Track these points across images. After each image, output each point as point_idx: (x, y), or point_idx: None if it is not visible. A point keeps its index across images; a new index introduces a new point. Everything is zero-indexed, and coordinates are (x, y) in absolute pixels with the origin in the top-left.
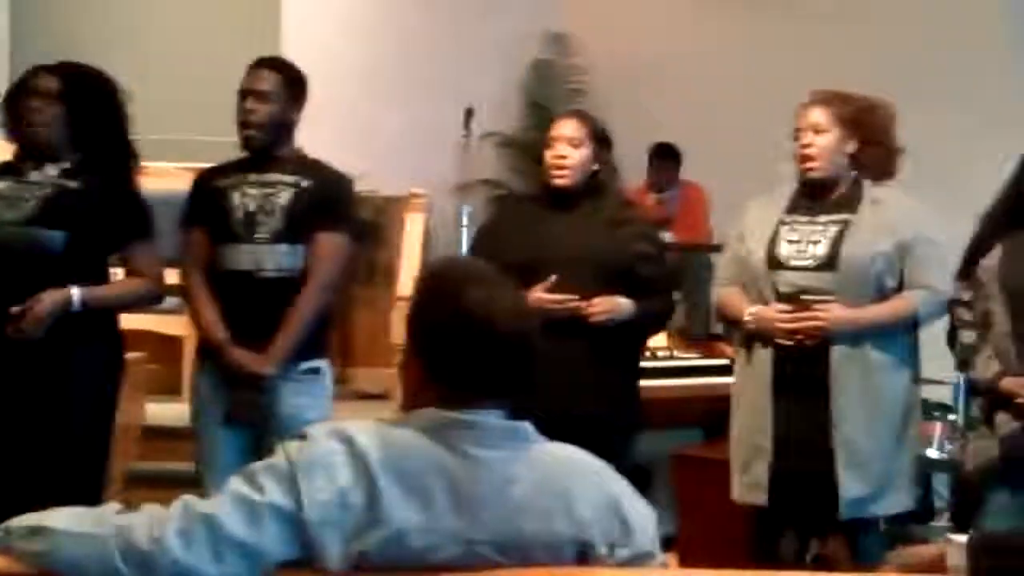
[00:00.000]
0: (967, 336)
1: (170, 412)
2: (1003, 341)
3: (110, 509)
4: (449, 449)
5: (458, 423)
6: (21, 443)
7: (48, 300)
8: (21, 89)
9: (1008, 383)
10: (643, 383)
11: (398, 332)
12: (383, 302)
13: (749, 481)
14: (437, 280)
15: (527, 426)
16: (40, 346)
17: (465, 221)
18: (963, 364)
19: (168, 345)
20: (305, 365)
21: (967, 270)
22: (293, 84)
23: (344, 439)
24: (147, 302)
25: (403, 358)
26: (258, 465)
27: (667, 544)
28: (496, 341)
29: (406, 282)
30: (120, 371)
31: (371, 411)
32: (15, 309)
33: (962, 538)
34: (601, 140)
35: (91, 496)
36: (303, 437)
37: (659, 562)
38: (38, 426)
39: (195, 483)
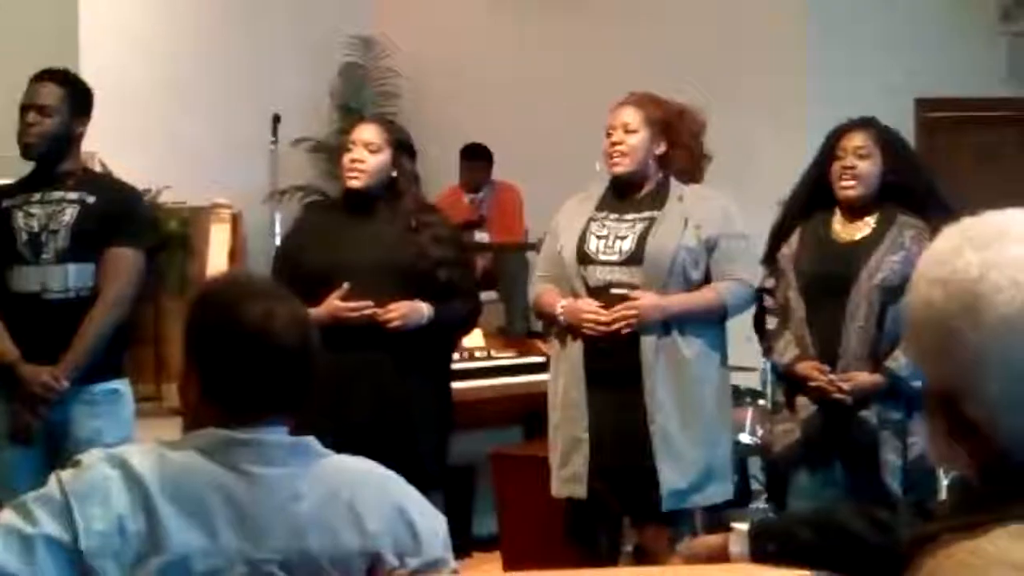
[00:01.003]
0: (770, 322)
1: None
2: (800, 327)
3: None
4: (230, 469)
5: (237, 441)
6: None
7: None
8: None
9: (803, 367)
10: (460, 384)
11: None
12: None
13: (567, 475)
14: (212, 296)
15: (311, 441)
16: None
17: (279, 229)
18: (767, 350)
19: None
20: (102, 387)
21: (771, 257)
22: (77, 97)
23: (119, 464)
24: None
25: (181, 377)
26: (31, 495)
27: (491, 543)
28: (272, 356)
29: None
30: None
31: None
32: None
33: (744, 526)
34: (401, 147)
35: None
36: (76, 464)
37: (450, 569)
38: None
39: None
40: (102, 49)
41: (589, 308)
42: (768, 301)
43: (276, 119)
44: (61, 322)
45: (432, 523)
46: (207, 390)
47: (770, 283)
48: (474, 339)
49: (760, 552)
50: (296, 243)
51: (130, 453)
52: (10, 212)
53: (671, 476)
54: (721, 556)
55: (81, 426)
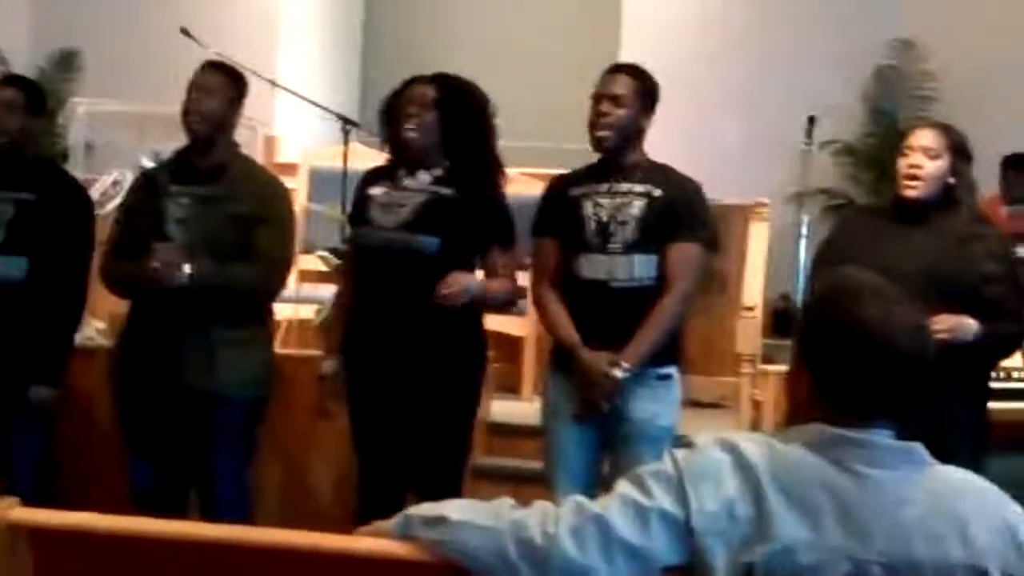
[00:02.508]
0: None
1: (512, 410)
2: None
3: (505, 503)
4: (838, 467)
5: (848, 440)
6: (394, 433)
7: (458, 278)
8: (399, 97)
9: None
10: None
11: (744, 343)
12: (718, 310)
13: None
14: (832, 293)
15: (919, 447)
16: (415, 344)
17: (804, 231)
18: None
19: (509, 345)
20: (659, 371)
21: None
22: (647, 92)
23: (730, 448)
24: (510, 305)
25: (790, 370)
26: (646, 470)
27: None
28: (892, 360)
29: (751, 293)
30: (483, 369)
31: (703, 420)
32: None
33: None
34: (960, 153)
35: (453, 487)
36: (690, 445)
37: None
38: (411, 418)
39: (537, 480)
40: (643, 45)
41: None
42: None
43: (811, 120)
44: (624, 310)
45: None
46: (818, 387)
47: None
48: (1014, 359)
49: None
50: (837, 249)
51: (739, 439)
52: (578, 201)
53: None
54: None
55: (637, 408)
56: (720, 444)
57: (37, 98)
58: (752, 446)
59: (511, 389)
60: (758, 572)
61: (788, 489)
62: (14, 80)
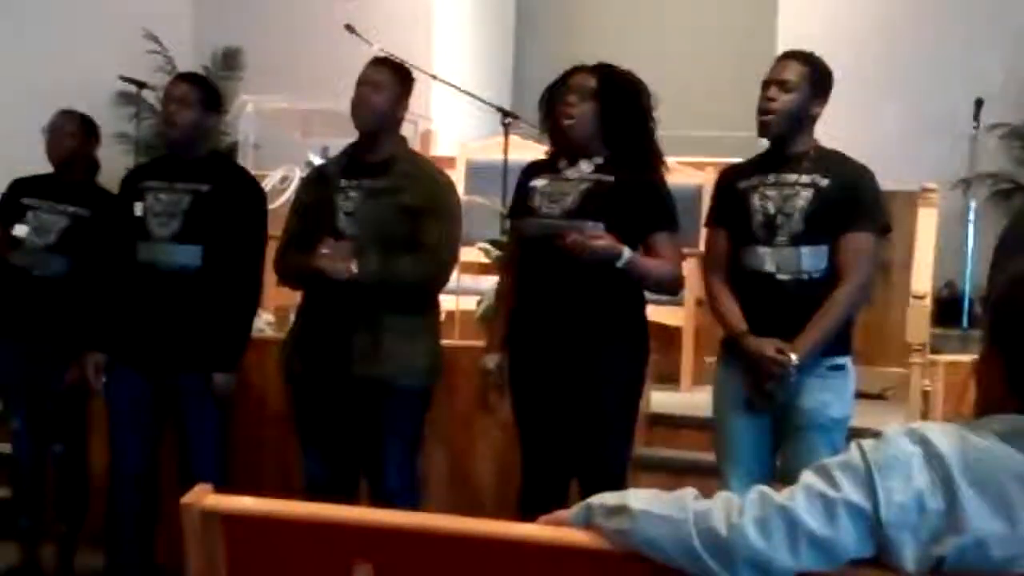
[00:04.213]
0: None
1: (670, 400)
2: None
3: (688, 494)
4: None
5: None
6: (558, 422)
7: (609, 238)
8: (559, 86)
9: None
10: None
11: (913, 331)
12: (882, 298)
13: None
14: (1022, 279)
15: None
16: (579, 333)
17: (972, 216)
18: None
19: (666, 334)
20: (831, 361)
21: None
22: (818, 77)
23: (920, 440)
24: (671, 288)
25: (980, 359)
26: (833, 461)
27: None
28: None
29: (920, 280)
30: (647, 358)
31: (866, 411)
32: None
33: None
34: None
35: (617, 476)
36: (878, 436)
37: None
38: (575, 407)
39: (696, 470)
40: (801, 31)
41: None
42: None
43: (979, 103)
44: (790, 302)
45: None
46: (1011, 377)
47: None
48: None
49: None
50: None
51: (929, 430)
52: (745, 193)
53: None
54: None
55: (809, 398)
56: (909, 435)
57: (211, 94)
58: (943, 437)
59: (669, 380)
60: (949, 566)
61: (981, 481)
62: (187, 77)
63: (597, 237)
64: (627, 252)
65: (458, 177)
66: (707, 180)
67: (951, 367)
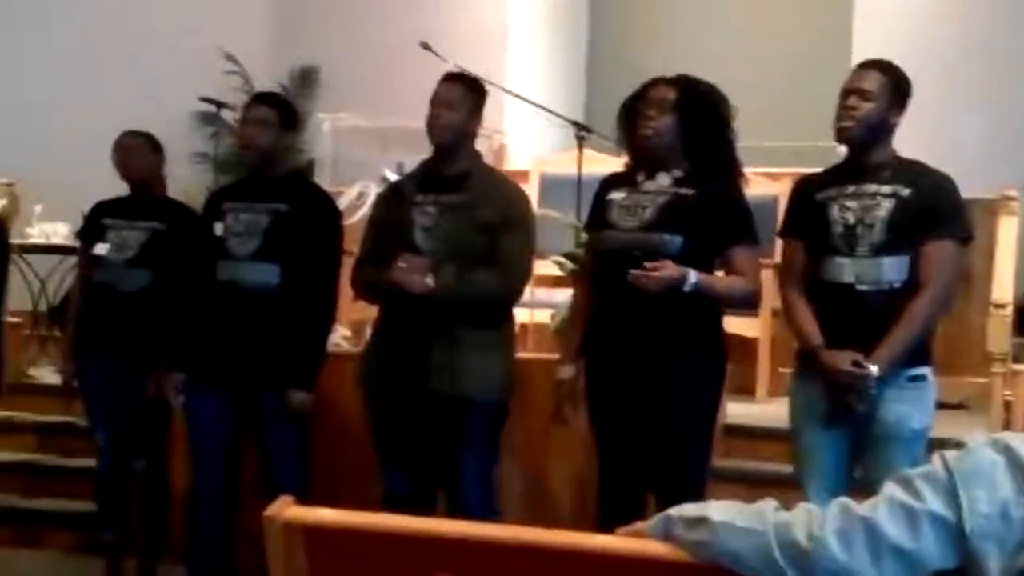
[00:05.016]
0: None
1: (747, 412)
2: None
3: (768, 505)
4: None
5: None
6: (634, 435)
7: (672, 268)
8: (638, 98)
9: None
10: None
11: (994, 341)
12: (963, 308)
13: None
14: None
15: None
16: (655, 345)
17: None
18: None
19: (742, 346)
20: (911, 372)
21: None
22: (896, 86)
23: (1003, 448)
24: (747, 304)
25: None
26: (915, 472)
27: None
28: None
29: (1002, 288)
30: (723, 370)
31: (946, 421)
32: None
33: None
34: None
35: (695, 489)
36: (960, 446)
37: None
38: (652, 419)
39: (773, 482)
40: (874, 39)
41: None
42: None
43: None
44: (869, 313)
45: None
46: None
47: None
48: None
49: None
50: None
51: (1013, 439)
52: (824, 204)
53: None
54: None
55: (888, 410)
56: (992, 444)
57: (289, 115)
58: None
59: (746, 391)
60: None
61: None
62: (265, 98)
63: (658, 269)
64: (692, 277)
65: (531, 190)
66: (782, 191)
67: None
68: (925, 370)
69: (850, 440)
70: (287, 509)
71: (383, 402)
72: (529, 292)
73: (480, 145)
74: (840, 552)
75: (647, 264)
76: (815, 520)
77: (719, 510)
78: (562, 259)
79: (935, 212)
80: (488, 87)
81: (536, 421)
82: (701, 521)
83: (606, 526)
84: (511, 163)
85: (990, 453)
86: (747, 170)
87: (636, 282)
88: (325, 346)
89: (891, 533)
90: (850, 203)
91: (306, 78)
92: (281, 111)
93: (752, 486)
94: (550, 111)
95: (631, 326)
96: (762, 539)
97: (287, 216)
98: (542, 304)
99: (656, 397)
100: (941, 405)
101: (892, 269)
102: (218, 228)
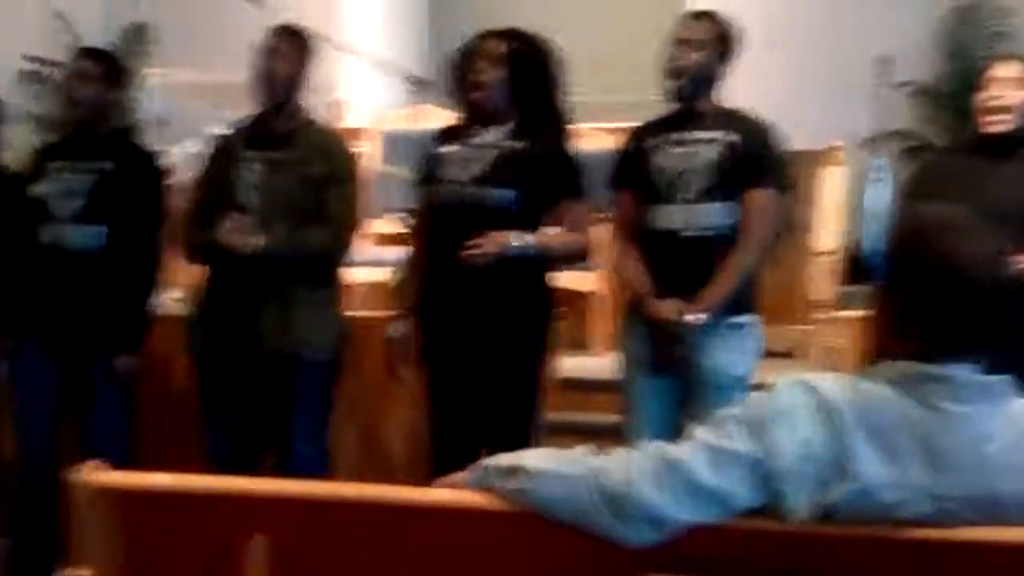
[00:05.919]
0: None
1: (582, 365)
2: None
3: (584, 451)
4: (920, 403)
5: (931, 377)
6: (466, 390)
7: (493, 241)
8: (469, 52)
9: None
10: None
11: (817, 289)
12: (791, 258)
13: None
14: (917, 228)
15: (1000, 381)
16: (486, 301)
17: (874, 175)
18: None
19: (578, 300)
20: (733, 320)
21: None
22: (723, 38)
23: (810, 390)
24: (579, 258)
25: (874, 307)
26: (724, 413)
27: None
28: (968, 291)
29: (825, 238)
30: (548, 328)
31: (775, 369)
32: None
33: None
34: None
35: (524, 442)
36: (768, 388)
37: None
38: (482, 374)
39: (610, 433)
40: None
41: None
42: None
43: (883, 61)
44: (697, 259)
45: None
46: (900, 325)
47: None
48: None
49: None
50: (922, 190)
51: (820, 379)
52: (649, 153)
53: None
54: None
55: (709, 356)
56: (800, 385)
57: (115, 69)
58: (833, 385)
59: (581, 345)
60: (839, 512)
61: (870, 428)
62: (90, 52)
63: (480, 245)
64: (529, 238)
65: (374, 147)
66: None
67: (859, 322)
68: (747, 318)
69: (677, 388)
70: (100, 474)
71: (211, 363)
72: (369, 250)
73: (313, 101)
74: (653, 494)
75: (467, 243)
76: (631, 464)
77: (534, 458)
78: (404, 215)
79: (757, 160)
80: (320, 41)
81: (371, 379)
82: (516, 470)
83: None
84: (350, 120)
85: (797, 394)
86: (587, 125)
87: (467, 261)
88: (149, 310)
89: (701, 474)
90: (674, 150)
91: (138, 36)
92: (107, 65)
93: (587, 437)
94: (378, 62)
95: (462, 279)
96: (577, 484)
97: (112, 175)
98: (382, 262)
99: (485, 350)
100: (771, 353)
101: (716, 215)
102: (40, 188)
